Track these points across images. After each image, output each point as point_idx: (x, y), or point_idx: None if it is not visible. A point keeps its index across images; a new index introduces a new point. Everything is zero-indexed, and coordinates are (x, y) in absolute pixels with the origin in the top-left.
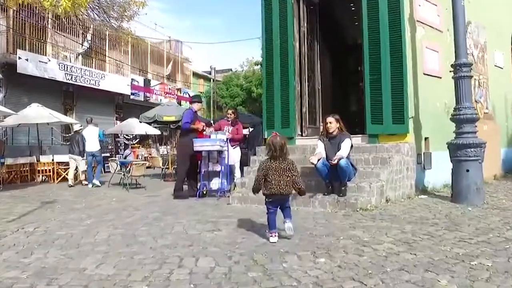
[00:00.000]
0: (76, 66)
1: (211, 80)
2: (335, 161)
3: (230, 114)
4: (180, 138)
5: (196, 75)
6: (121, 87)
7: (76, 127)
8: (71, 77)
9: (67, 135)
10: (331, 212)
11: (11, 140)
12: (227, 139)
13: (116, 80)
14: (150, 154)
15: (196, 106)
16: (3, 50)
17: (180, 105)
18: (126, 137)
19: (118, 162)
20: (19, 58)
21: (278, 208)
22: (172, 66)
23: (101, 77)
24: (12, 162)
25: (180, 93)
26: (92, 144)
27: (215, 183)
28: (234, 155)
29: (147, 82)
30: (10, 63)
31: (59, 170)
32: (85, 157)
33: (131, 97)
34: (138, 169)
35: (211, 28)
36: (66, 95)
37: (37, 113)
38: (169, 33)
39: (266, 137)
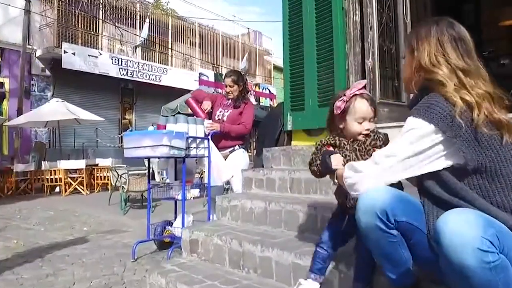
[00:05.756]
0: (133, 60)
1: None
2: None
3: (230, 86)
4: None
5: (278, 69)
6: (187, 82)
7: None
8: (127, 72)
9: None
10: None
11: (57, 142)
12: (209, 134)
13: (181, 75)
14: None
15: None
16: (50, 44)
17: (259, 102)
18: None
19: (115, 173)
20: (65, 52)
21: None
22: (249, 59)
23: (163, 72)
24: (24, 169)
25: (259, 88)
26: None
27: (177, 226)
28: (234, 165)
29: (218, 76)
30: (57, 59)
31: (68, 179)
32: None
33: None
34: (137, 182)
35: None
36: (125, 93)
37: (51, 109)
38: (254, 28)
39: (290, 128)
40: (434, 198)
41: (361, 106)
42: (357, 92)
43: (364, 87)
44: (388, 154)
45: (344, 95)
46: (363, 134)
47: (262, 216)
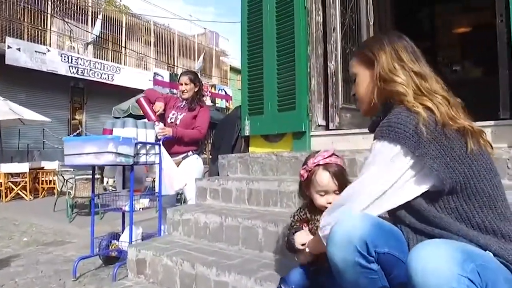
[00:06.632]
0: (84, 57)
1: None
2: None
3: (186, 84)
4: None
5: (235, 70)
6: (141, 82)
7: None
8: (77, 70)
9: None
10: None
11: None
12: (159, 140)
13: (134, 75)
14: None
15: None
16: None
17: (215, 103)
18: None
19: (61, 178)
20: (9, 47)
21: None
22: (205, 59)
23: (116, 71)
24: None
25: (215, 90)
26: None
27: (125, 240)
28: (187, 172)
29: (173, 76)
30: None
31: (10, 183)
32: None
33: None
34: (84, 187)
35: None
36: (75, 92)
37: None
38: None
39: (247, 133)
40: (409, 227)
41: (322, 179)
42: (321, 162)
43: (334, 154)
44: (356, 190)
45: (306, 164)
46: (325, 207)
47: (218, 232)
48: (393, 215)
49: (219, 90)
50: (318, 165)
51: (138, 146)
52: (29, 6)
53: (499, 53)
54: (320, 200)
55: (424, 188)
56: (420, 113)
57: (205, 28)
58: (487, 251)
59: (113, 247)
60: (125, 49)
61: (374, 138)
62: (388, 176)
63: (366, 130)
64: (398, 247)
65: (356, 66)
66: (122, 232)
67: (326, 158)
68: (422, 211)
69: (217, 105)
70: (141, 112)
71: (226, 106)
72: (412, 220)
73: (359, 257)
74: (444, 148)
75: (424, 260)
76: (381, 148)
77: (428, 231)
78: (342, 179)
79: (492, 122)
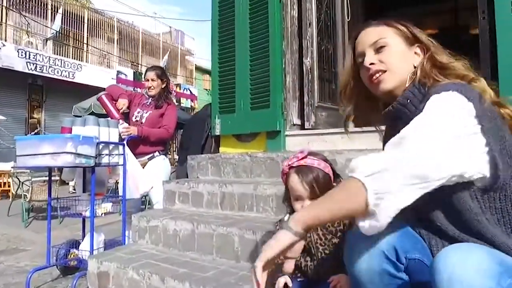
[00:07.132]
0: (43, 54)
1: None
2: None
3: (152, 80)
4: None
5: (200, 70)
6: (103, 80)
7: None
8: (35, 66)
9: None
10: None
11: None
12: (123, 139)
13: (97, 72)
14: None
15: None
16: None
17: (180, 103)
18: None
19: (16, 180)
20: None
21: None
22: (170, 58)
23: (77, 68)
24: None
25: (180, 89)
26: None
27: (85, 248)
28: (153, 174)
29: (137, 75)
30: None
31: None
32: None
33: None
34: (41, 190)
35: None
36: (33, 90)
37: None
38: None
39: (218, 133)
40: (439, 232)
41: (293, 184)
42: (295, 164)
43: (310, 155)
44: (420, 137)
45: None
46: None
47: (189, 241)
48: (416, 213)
49: (184, 90)
50: (292, 167)
51: (100, 146)
52: None
53: (481, 51)
54: (297, 206)
55: (480, 173)
56: (480, 86)
57: (170, 27)
58: None
59: (72, 256)
60: (87, 46)
61: (436, 92)
62: (460, 129)
63: (343, 130)
64: (425, 253)
65: (389, 35)
66: (82, 240)
67: (300, 159)
68: (466, 211)
69: (182, 104)
70: (104, 111)
71: (191, 105)
72: (445, 222)
73: (388, 264)
74: (499, 131)
75: (452, 266)
76: (452, 96)
77: (461, 239)
78: (316, 184)
79: None
